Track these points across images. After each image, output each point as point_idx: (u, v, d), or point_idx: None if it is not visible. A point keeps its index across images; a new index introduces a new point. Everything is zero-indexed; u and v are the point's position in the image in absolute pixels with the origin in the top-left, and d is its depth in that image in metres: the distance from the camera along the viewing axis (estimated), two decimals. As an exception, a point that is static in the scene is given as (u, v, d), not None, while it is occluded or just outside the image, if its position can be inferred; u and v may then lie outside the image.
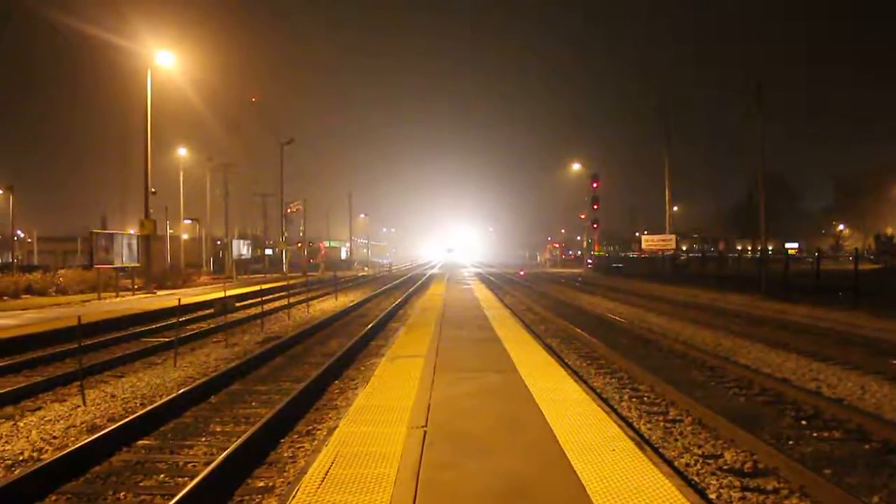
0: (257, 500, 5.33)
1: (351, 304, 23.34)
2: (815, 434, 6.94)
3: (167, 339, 13.55)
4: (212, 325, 16.83)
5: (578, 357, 12.02)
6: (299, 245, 68.50)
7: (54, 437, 7.02)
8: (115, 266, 25.98)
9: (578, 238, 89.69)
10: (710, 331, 15.21)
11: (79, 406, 8.36)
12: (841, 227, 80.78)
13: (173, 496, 4.96)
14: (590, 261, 63.66)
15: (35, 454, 6.48)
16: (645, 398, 8.69)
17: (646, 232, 62.75)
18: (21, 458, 6.38)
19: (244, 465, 5.95)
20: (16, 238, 55.97)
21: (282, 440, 6.89)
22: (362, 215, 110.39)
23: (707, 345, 13.10)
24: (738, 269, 37.70)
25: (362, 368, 10.93)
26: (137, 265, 27.79)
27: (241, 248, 51.34)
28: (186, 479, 5.61)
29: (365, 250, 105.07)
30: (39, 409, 8.43)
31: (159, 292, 27.34)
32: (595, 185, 55.82)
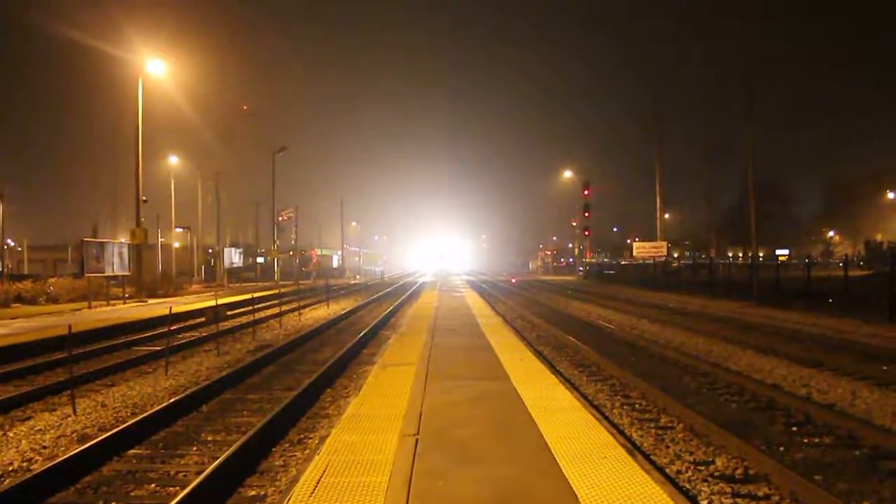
0: (249, 509, 5.31)
1: (343, 313, 23.29)
2: (805, 440, 6.98)
3: (158, 348, 13.48)
4: (203, 334, 16.75)
5: (570, 364, 12.04)
6: (291, 253, 68.37)
7: (44, 447, 6.97)
8: (107, 275, 25.85)
9: (570, 245, 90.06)
10: (701, 337, 15.27)
11: (69, 416, 8.31)
12: (831, 233, 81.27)
13: (164, 506, 4.94)
14: (581, 268, 63.84)
15: (25, 464, 6.43)
16: (636, 405, 8.71)
17: (637, 239, 62.91)
18: (10, 468, 6.33)
19: (236, 474, 5.93)
20: (6, 247, 55.59)
21: (273, 449, 6.87)
22: (353, 223, 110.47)
23: (698, 351, 13.15)
24: (729, 276, 37.87)
25: (354, 377, 10.91)
26: (128, 274, 27.67)
27: (233, 257, 51.20)
28: (178, 488, 5.59)
29: (357, 258, 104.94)
30: (29, 418, 8.38)
31: (150, 301, 27.22)
32: (587, 192, 56.07)
